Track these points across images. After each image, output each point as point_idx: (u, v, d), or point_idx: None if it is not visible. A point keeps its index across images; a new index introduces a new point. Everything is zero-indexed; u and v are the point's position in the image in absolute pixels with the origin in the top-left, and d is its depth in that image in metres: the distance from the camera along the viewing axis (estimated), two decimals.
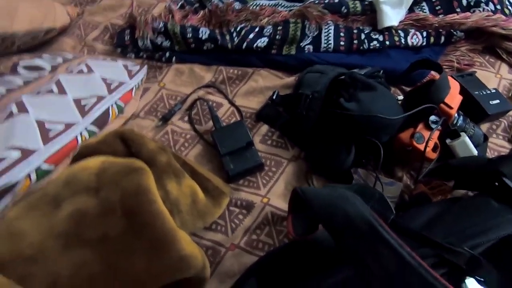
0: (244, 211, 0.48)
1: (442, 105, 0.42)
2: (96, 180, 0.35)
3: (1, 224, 0.31)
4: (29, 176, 0.38)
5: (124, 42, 0.64)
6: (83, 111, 0.46)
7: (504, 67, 0.59)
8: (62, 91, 0.48)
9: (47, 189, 0.35)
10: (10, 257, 0.29)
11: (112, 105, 0.51)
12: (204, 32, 0.61)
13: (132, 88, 0.58)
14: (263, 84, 0.59)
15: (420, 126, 0.43)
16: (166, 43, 0.62)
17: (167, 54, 0.63)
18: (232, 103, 0.58)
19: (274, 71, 0.61)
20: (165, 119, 0.56)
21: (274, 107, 0.54)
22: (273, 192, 0.49)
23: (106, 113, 0.50)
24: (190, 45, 0.62)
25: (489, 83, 0.56)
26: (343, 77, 0.49)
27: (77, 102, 0.47)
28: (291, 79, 0.59)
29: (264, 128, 0.55)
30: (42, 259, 0.29)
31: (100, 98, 0.50)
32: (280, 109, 0.54)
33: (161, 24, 0.62)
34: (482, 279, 0.22)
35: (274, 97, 0.54)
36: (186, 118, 0.57)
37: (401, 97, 0.53)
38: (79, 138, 0.44)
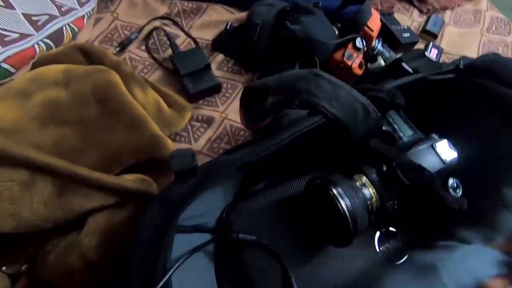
0: (205, 124, 0.53)
1: (365, 27, 0.52)
2: (63, 76, 0.37)
3: None
4: None
5: None
6: (36, 26, 0.46)
7: (416, 12, 0.72)
8: (8, 5, 0.46)
9: (12, 84, 0.36)
10: None
11: (65, 26, 0.51)
12: None
13: (84, 16, 0.57)
14: (217, 18, 0.64)
15: (349, 47, 0.53)
16: None
17: None
18: (188, 34, 0.61)
19: (227, 7, 0.65)
20: (123, 45, 0.57)
21: (228, 36, 0.59)
22: (230, 109, 0.55)
23: (60, 32, 0.50)
24: None
25: (404, 23, 0.68)
26: (288, 8, 0.56)
27: (28, 16, 0.46)
28: (242, 14, 0.64)
29: (220, 57, 0.60)
30: (22, 132, 0.31)
31: (52, 17, 0.49)
32: (234, 37, 0.59)
33: None
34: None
35: (228, 27, 0.59)
36: (143, 47, 0.59)
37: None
38: (37, 48, 0.44)
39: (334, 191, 0.28)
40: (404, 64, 0.39)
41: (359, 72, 0.53)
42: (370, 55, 0.55)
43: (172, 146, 0.39)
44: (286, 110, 0.40)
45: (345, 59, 0.52)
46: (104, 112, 0.35)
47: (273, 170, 0.41)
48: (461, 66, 0.35)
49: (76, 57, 0.44)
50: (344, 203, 0.28)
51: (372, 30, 0.52)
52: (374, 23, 0.53)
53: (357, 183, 0.30)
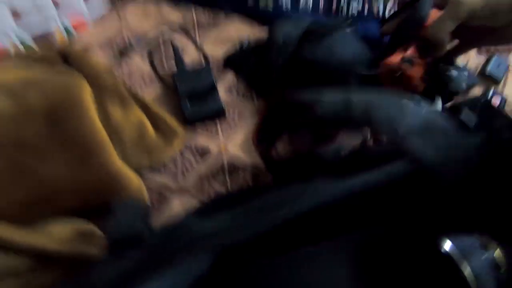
0: (198, 157, 0.44)
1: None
2: (19, 83, 0.30)
3: None
4: None
5: None
6: (18, 19, 0.40)
7: (473, 51, 0.60)
8: None
9: None
10: None
11: (57, 25, 0.45)
12: None
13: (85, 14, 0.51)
14: (235, 33, 0.56)
15: (411, 50, 0.38)
16: None
17: None
18: (200, 48, 0.54)
19: (249, 22, 0.57)
20: (122, 53, 0.50)
21: (244, 53, 0.50)
22: (231, 141, 0.46)
23: (48, 32, 0.43)
24: None
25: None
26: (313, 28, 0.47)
27: (13, 9, 0.40)
28: (265, 31, 0.55)
29: (231, 77, 0.52)
30: None
31: (38, 8, 0.43)
32: (250, 56, 0.50)
33: None
34: None
35: (243, 44, 0.51)
36: (146, 58, 0.52)
37: None
38: (10, 47, 0.37)
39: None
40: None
41: (420, 87, 0.38)
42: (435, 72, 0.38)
43: (137, 186, 0.30)
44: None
45: (403, 65, 0.36)
46: (50, 135, 0.27)
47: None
48: None
49: (54, 61, 0.36)
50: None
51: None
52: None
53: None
